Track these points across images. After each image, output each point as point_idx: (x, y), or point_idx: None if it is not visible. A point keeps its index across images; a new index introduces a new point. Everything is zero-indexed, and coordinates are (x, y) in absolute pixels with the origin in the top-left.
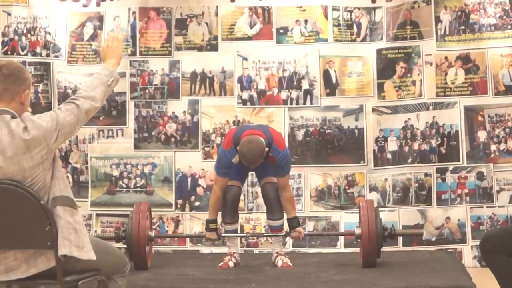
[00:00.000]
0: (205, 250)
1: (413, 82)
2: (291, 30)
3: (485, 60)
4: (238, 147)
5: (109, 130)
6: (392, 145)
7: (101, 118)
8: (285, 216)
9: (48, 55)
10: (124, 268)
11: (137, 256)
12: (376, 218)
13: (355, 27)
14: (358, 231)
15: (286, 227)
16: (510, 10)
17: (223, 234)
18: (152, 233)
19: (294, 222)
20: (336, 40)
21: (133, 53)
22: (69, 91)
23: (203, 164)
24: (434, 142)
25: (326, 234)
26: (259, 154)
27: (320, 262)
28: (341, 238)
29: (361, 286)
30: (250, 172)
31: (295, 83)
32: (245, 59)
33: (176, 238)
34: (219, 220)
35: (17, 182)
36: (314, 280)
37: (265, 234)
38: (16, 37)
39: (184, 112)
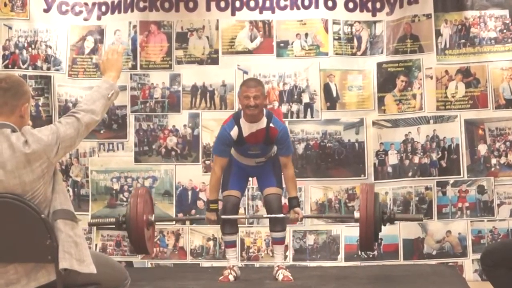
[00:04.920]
0: (205, 263)
1: (414, 96)
2: (292, 44)
3: (486, 73)
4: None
5: (109, 143)
6: (393, 158)
7: (101, 131)
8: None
9: (48, 69)
10: (124, 282)
11: (136, 240)
12: (375, 201)
13: (355, 40)
14: (357, 215)
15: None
16: (510, 24)
17: (222, 216)
18: (152, 217)
19: (294, 202)
20: (336, 54)
21: (134, 67)
22: (70, 104)
23: (204, 178)
24: (434, 156)
25: (325, 216)
26: (259, 81)
27: (321, 275)
28: (342, 252)
29: None
30: (251, 186)
31: (295, 96)
32: (245, 72)
33: (176, 252)
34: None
35: (18, 196)
36: None
37: (264, 216)
38: (17, 51)
39: (185, 125)
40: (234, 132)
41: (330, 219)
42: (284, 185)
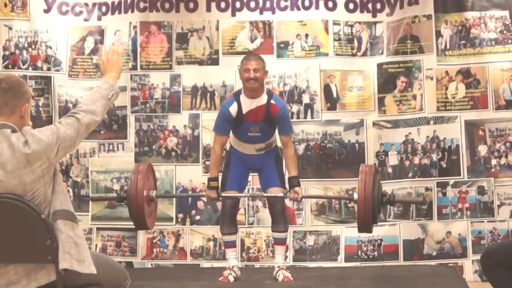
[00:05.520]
0: (205, 264)
1: (414, 97)
2: (292, 45)
3: (486, 74)
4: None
5: (109, 144)
6: (393, 159)
7: (101, 132)
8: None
9: (49, 69)
10: (124, 282)
11: (135, 215)
12: (374, 182)
13: (355, 41)
14: (356, 196)
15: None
16: (510, 25)
17: (222, 194)
18: (153, 193)
19: (294, 181)
20: (336, 55)
21: (134, 67)
22: (70, 105)
23: (204, 178)
24: (434, 156)
25: (325, 197)
26: (259, 56)
27: (321, 276)
28: (342, 253)
29: None
30: (252, 186)
31: (295, 97)
32: None
33: (176, 252)
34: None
35: (18, 196)
36: None
37: (264, 195)
38: (17, 51)
39: (185, 126)
40: (233, 108)
41: (330, 219)
42: (286, 181)
